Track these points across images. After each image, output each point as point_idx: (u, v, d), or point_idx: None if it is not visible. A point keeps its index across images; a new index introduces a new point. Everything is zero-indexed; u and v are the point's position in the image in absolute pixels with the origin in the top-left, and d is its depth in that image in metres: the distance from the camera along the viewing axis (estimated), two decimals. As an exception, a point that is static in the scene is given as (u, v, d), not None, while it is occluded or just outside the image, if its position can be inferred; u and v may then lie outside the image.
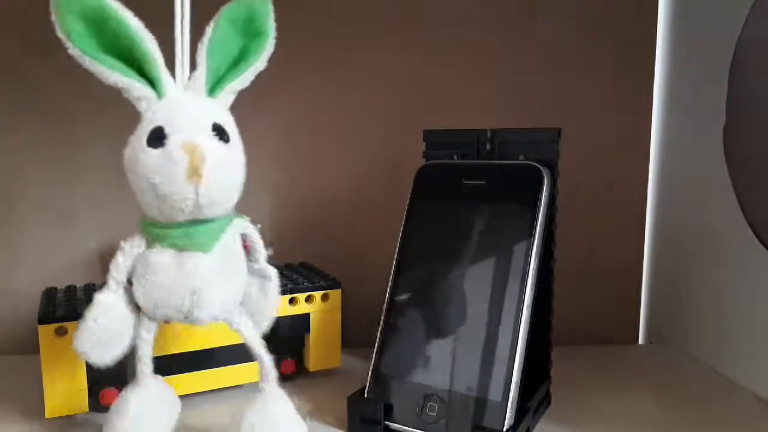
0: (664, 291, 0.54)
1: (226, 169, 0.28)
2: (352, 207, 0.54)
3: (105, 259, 0.51)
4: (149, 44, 0.28)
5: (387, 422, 0.35)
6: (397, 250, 0.38)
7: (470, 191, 0.37)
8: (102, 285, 0.43)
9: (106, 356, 0.30)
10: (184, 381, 0.40)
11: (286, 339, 0.43)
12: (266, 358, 0.32)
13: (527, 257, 0.34)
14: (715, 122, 0.44)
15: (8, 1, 0.49)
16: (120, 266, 0.30)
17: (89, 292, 0.41)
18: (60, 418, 0.37)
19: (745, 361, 0.44)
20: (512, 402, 0.33)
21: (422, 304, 0.36)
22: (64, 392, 0.37)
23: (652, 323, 0.56)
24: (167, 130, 0.27)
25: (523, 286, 0.34)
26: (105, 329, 0.30)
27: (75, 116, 0.50)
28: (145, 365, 0.31)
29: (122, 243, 0.30)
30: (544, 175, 0.36)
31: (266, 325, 0.34)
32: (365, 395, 0.36)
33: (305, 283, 0.43)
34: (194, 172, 0.27)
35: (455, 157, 0.40)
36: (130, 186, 0.29)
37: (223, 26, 0.29)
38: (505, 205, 0.36)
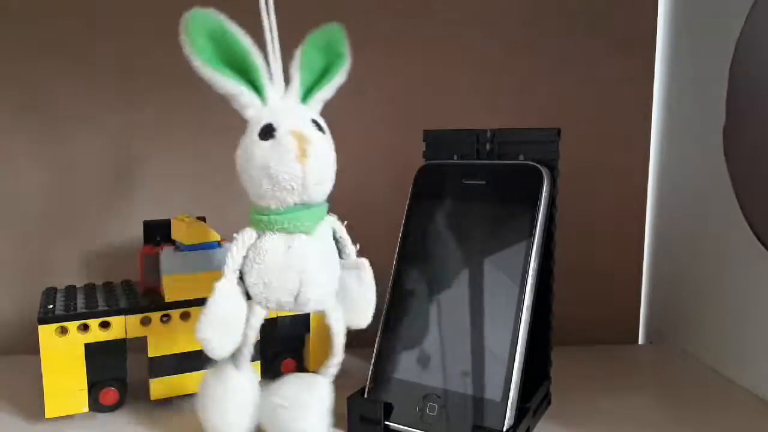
0: (664, 291, 0.54)
1: (325, 153, 0.33)
2: (352, 207, 0.53)
3: (105, 259, 0.51)
4: (258, 58, 0.32)
5: (387, 422, 0.35)
6: (396, 250, 0.38)
7: (470, 191, 0.37)
8: (104, 284, 0.43)
9: (225, 343, 0.33)
10: (184, 381, 0.40)
11: (287, 339, 0.43)
12: (340, 354, 0.35)
13: (527, 257, 0.34)
14: (715, 122, 0.44)
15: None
16: (235, 256, 0.33)
17: (89, 292, 0.41)
18: (60, 418, 0.37)
19: (745, 361, 0.44)
20: (512, 402, 0.33)
21: (422, 304, 0.36)
22: (64, 392, 0.37)
23: (652, 323, 0.56)
24: (275, 125, 0.32)
25: (522, 286, 0.34)
26: (227, 315, 0.32)
27: (76, 117, 0.50)
28: (248, 351, 0.34)
29: (235, 235, 0.33)
30: (544, 175, 0.36)
31: (371, 314, 0.37)
32: (365, 395, 0.36)
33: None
34: (302, 153, 0.32)
35: (455, 157, 0.40)
36: (242, 184, 0.33)
37: (309, 49, 0.35)
38: (505, 205, 0.36)
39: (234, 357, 0.34)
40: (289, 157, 0.31)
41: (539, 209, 0.35)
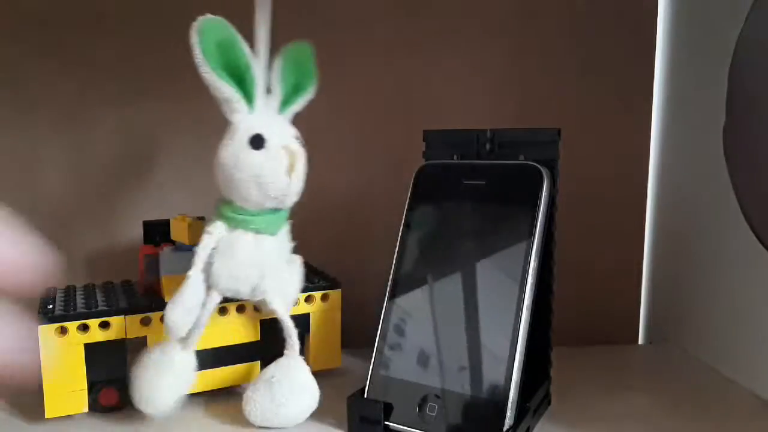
0: (664, 291, 0.54)
1: (304, 167, 0.37)
2: (352, 207, 0.54)
3: (105, 259, 0.51)
4: (256, 70, 0.36)
5: (387, 422, 0.35)
6: (396, 250, 0.38)
7: (470, 191, 0.37)
8: (104, 284, 0.43)
9: (186, 326, 0.36)
10: (184, 381, 0.40)
11: (286, 339, 0.43)
12: (293, 331, 0.39)
13: (527, 257, 0.34)
14: (715, 122, 0.44)
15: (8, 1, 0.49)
16: (207, 248, 0.36)
17: (89, 292, 0.41)
18: (60, 418, 0.37)
19: (745, 361, 0.44)
20: (512, 402, 0.33)
21: (422, 304, 0.36)
22: (64, 392, 0.37)
23: (652, 323, 0.56)
24: (266, 136, 0.35)
25: (522, 286, 0.34)
26: (194, 303, 0.36)
27: (74, 117, 0.50)
28: (199, 333, 0.37)
29: (207, 228, 0.37)
30: (544, 175, 0.36)
31: (294, 301, 0.41)
32: (365, 395, 0.36)
33: (305, 283, 0.43)
34: (291, 168, 0.35)
35: (455, 157, 0.40)
36: (220, 182, 0.37)
37: (286, 63, 0.38)
38: (505, 205, 0.36)
39: (185, 338, 0.37)
40: (281, 170, 0.35)
41: (539, 209, 0.35)
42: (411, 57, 0.52)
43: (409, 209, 0.39)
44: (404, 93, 0.53)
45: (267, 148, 0.35)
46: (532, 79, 0.53)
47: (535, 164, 0.36)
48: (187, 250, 0.40)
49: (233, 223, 0.37)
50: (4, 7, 0.49)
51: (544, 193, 0.35)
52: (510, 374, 0.33)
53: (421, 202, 0.39)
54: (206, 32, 0.34)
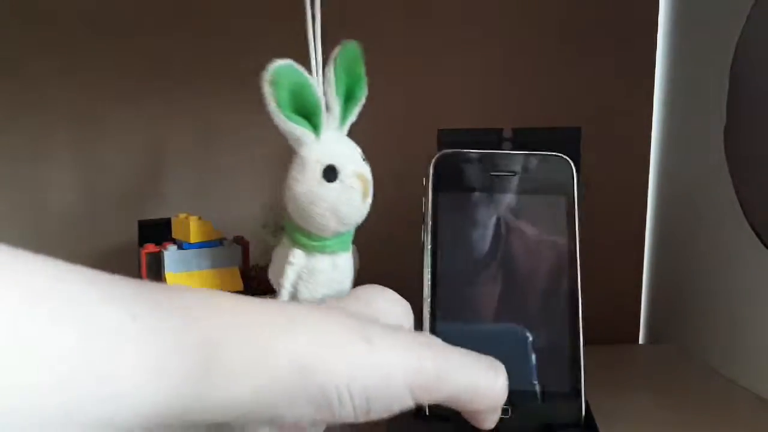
0: (664, 291, 0.54)
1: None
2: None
3: (105, 260, 0.51)
4: (322, 103, 0.35)
5: None
6: (427, 249, 0.36)
7: (500, 183, 0.36)
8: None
9: None
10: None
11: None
12: None
13: (572, 251, 0.35)
14: (715, 122, 0.45)
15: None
16: (291, 278, 0.37)
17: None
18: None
19: (745, 361, 0.44)
20: (583, 396, 0.33)
21: (468, 300, 0.35)
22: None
23: (652, 323, 0.56)
24: (338, 167, 0.34)
25: (573, 284, 0.35)
26: None
27: (74, 117, 0.50)
28: None
29: (290, 259, 0.36)
30: (573, 168, 0.35)
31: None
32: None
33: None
34: (366, 194, 0.35)
35: None
36: (294, 215, 0.35)
37: (338, 72, 0.36)
38: (540, 198, 0.35)
39: None
40: (357, 199, 0.35)
41: (575, 202, 0.35)
42: (411, 57, 0.52)
43: (434, 201, 0.36)
44: (404, 93, 0.53)
45: (341, 179, 0.35)
46: (532, 79, 0.53)
47: (563, 156, 0.35)
48: (191, 248, 0.40)
49: (310, 249, 0.36)
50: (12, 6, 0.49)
51: (576, 186, 0.35)
52: (578, 371, 0.34)
53: (445, 193, 0.36)
54: (280, 80, 0.33)
